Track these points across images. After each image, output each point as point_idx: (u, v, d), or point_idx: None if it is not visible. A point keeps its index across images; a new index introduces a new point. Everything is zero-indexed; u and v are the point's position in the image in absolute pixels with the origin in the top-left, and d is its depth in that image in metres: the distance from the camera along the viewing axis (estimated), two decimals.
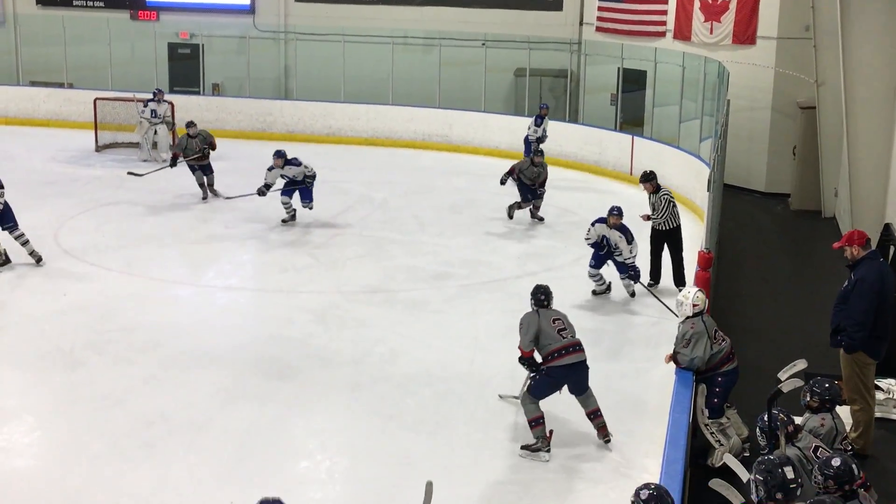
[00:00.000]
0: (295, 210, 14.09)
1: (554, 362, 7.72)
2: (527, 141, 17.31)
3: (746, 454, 7.54)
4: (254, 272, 12.45)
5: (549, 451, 7.67)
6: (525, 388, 7.97)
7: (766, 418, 6.31)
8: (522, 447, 7.73)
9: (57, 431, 8.16)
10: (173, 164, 15.66)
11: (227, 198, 15.25)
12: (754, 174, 17.68)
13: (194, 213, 14.85)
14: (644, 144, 17.55)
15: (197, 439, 7.96)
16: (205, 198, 15.66)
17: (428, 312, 10.92)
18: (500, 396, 8.66)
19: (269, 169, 13.90)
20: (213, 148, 15.81)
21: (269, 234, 13.84)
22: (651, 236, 11.78)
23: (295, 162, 13.88)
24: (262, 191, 14.03)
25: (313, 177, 14.03)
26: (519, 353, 7.95)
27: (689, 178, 15.51)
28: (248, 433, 8.08)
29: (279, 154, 13.83)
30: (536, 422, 7.68)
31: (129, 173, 16.10)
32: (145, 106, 18.30)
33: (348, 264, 12.62)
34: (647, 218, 11.75)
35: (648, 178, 11.83)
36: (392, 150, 20.11)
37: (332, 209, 15.09)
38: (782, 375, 6.82)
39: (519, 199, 14.45)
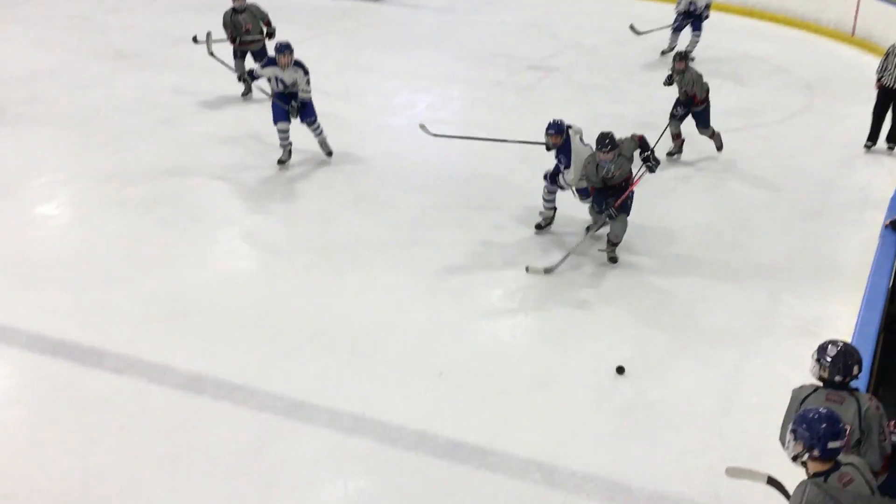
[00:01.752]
0: (292, 143, 10.30)
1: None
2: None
3: None
4: (462, 108, 12.53)
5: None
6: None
7: None
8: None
9: (275, 242, 8.65)
10: (236, 51, 12.01)
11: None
12: None
13: (409, 47, 14.98)
14: (871, 4, 16.30)
15: (403, 256, 8.29)
16: (245, 94, 12.36)
17: None
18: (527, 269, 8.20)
19: (265, 65, 10.11)
20: (269, 25, 12.13)
21: (477, 71, 13.85)
22: (879, 94, 11.02)
23: (302, 64, 10.00)
24: (246, 77, 10.94)
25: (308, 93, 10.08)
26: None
27: None
28: (449, 257, 8.32)
29: (286, 48, 9.86)
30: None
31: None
32: None
33: (554, 108, 12.49)
34: None
35: None
36: None
37: (541, 52, 14.91)
38: None
39: None
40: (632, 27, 15.07)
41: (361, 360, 6.78)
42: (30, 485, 5.49)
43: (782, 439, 4.75)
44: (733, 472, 4.71)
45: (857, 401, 4.61)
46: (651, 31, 14.91)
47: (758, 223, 9.28)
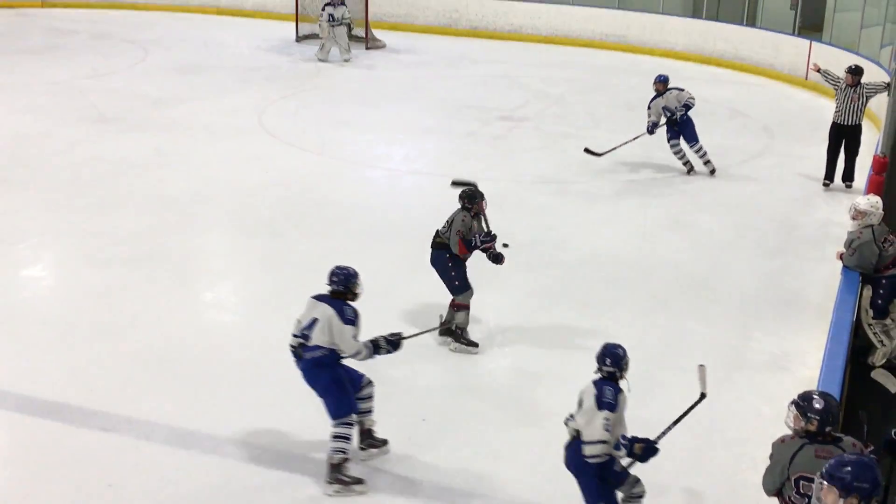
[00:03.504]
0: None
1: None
2: None
3: None
4: (437, 158, 12.55)
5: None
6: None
7: None
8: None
9: (261, 291, 8.58)
10: None
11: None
12: None
13: (384, 103, 15.04)
14: (821, 49, 16.52)
15: (384, 304, 8.19)
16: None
17: (599, 203, 10.81)
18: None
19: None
20: None
21: (452, 123, 13.91)
22: (831, 133, 11.17)
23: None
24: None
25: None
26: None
27: None
28: (428, 304, 8.24)
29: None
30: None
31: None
32: (323, 10, 17.74)
33: (525, 156, 12.56)
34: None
35: (858, 73, 11.09)
36: (570, 49, 19.66)
37: (510, 103, 15.02)
38: None
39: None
40: (587, 150, 12.01)
41: None
42: None
43: (767, 489, 4.62)
44: None
45: (843, 452, 4.44)
46: (613, 149, 11.98)
47: (725, 261, 9.30)
